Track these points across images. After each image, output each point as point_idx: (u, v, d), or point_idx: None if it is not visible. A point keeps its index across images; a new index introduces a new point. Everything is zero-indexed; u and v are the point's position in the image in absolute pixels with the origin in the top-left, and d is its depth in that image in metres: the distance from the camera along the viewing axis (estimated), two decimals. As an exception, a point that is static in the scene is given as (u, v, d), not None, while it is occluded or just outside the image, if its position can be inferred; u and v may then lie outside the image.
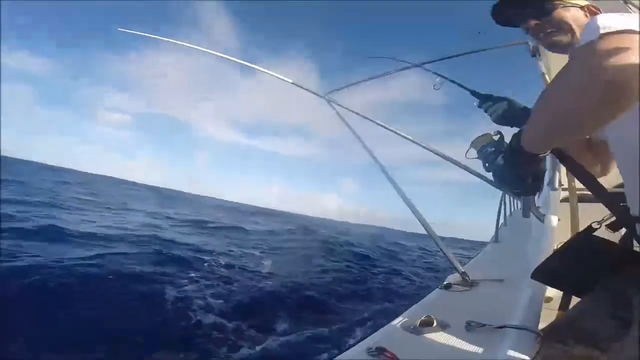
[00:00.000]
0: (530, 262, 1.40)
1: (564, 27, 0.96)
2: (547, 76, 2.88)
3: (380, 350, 0.79)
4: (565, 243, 0.90)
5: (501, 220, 2.32)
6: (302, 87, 2.59)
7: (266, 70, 2.79)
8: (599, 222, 0.85)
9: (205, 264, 7.56)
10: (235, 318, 4.96)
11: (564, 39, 0.97)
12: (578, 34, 0.94)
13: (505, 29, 1.10)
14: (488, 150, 0.98)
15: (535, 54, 2.82)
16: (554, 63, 2.72)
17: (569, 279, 0.94)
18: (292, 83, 2.65)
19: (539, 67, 2.86)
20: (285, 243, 13.21)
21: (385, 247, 16.24)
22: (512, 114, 1.09)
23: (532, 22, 0.99)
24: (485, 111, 1.14)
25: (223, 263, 8.04)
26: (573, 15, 0.96)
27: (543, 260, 0.97)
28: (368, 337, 0.91)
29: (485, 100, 1.14)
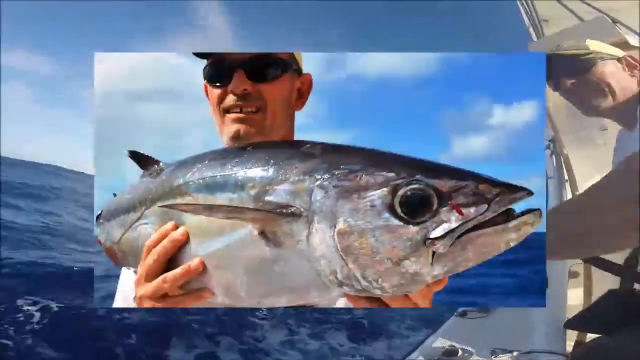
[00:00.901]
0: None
1: (604, 87, 0.78)
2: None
3: (409, 386, 0.76)
4: (599, 299, 0.90)
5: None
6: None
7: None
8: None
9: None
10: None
11: (604, 103, 0.79)
12: (620, 97, 0.78)
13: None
14: None
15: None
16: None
17: (606, 327, 0.91)
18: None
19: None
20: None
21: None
22: None
23: (568, 82, 0.81)
24: None
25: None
26: (612, 72, 0.79)
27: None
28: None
29: None
